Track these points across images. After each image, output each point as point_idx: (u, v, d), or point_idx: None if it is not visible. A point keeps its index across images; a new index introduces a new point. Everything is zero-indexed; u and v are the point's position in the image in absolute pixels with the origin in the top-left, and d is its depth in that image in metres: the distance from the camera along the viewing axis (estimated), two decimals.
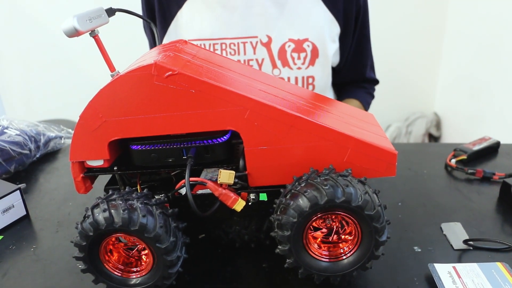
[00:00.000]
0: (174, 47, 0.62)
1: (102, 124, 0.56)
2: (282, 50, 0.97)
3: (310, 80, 1.01)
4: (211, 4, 0.97)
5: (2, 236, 0.75)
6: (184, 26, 1.01)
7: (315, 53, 0.98)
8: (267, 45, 0.96)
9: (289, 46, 0.96)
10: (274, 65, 1.00)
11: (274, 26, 0.96)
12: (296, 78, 1.01)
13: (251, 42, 0.97)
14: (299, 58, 0.97)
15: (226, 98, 0.54)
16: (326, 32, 0.99)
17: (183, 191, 0.59)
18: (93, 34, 0.57)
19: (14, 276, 0.65)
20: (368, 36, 1.11)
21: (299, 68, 0.98)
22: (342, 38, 1.04)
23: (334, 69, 1.10)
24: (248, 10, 0.95)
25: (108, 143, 0.57)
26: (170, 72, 0.53)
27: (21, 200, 0.79)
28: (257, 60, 1.00)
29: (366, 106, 1.17)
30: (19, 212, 0.79)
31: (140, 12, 1.07)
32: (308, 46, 0.96)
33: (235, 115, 0.55)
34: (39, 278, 0.64)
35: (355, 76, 1.15)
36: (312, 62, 0.98)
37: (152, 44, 1.13)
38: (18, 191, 0.79)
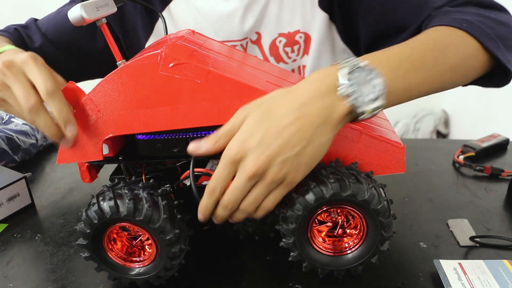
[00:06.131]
0: (181, 37, 0.61)
1: (100, 118, 0.55)
2: (273, 46, 0.88)
3: (301, 69, 0.91)
4: (192, 11, 0.87)
5: (7, 224, 0.75)
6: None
7: (308, 41, 0.87)
8: (257, 42, 0.88)
9: (280, 41, 0.87)
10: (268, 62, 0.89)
11: (261, 22, 0.86)
12: (293, 71, 0.92)
13: (241, 45, 0.88)
14: (293, 51, 0.87)
15: (233, 89, 0.53)
16: (308, 12, 0.84)
17: (188, 182, 0.59)
18: (100, 22, 0.57)
19: (18, 264, 0.65)
20: None
21: (294, 60, 0.89)
22: (323, 3, 0.84)
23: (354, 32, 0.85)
24: (231, 18, 0.85)
25: (105, 139, 0.57)
26: (176, 61, 0.52)
27: (27, 188, 0.79)
28: None
29: (464, 26, 0.62)
30: (24, 200, 0.79)
31: None
32: (301, 37, 0.86)
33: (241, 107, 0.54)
34: (42, 267, 0.64)
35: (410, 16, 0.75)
36: (306, 51, 0.88)
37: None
38: (23, 180, 0.79)
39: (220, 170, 0.50)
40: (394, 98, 0.54)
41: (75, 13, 0.53)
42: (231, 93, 0.53)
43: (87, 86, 0.58)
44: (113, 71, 0.54)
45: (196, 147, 0.51)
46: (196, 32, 0.68)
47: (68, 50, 0.85)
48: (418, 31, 0.71)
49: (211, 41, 0.66)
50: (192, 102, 0.54)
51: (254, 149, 0.47)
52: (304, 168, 0.49)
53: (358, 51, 0.88)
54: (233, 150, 0.48)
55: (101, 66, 0.68)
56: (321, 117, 0.48)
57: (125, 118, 0.55)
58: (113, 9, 0.59)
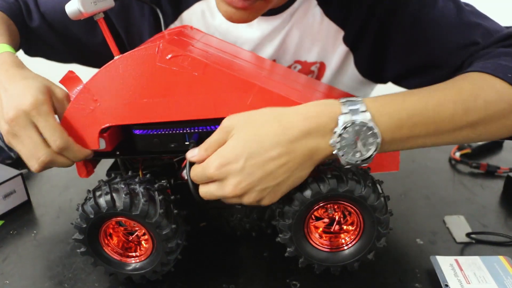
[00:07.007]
0: (180, 32, 0.61)
1: (97, 108, 0.55)
2: None
3: None
4: (206, 26, 0.81)
5: (3, 221, 0.74)
6: None
7: (322, 69, 0.84)
8: None
9: (295, 67, 0.83)
10: None
11: (278, 51, 0.81)
12: None
13: None
14: None
15: (229, 83, 0.53)
16: (330, 44, 0.79)
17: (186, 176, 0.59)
18: (98, 17, 0.57)
19: (14, 260, 0.65)
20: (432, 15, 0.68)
21: None
22: (349, 39, 0.78)
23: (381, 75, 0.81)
24: (249, 45, 0.79)
25: (101, 130, 0.56)
26: (173, 53, 0.52)
27: (23, 185, 0.79)
28: None
29: (500, 73, 0.55)
30: (21, 197, 0.79)
31: None
32: (317, 67, 0.82)
33: (238, 101, 0.54)
34: (39, 263, 0.64)
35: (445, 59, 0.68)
36: (318, 79, 0.84)
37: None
38: (19, 177, 0.78)
39: (199, 174, 0.51)
40: (392, 147, 0.52)
41: (73, 7, 0.53)
42: (227, 87, 0.53)
43: (86, 75, 0.57)
44: (111, 61, 0.54)
45: (192, 154, 0.52)
46: (194, 28, 0.67)
47: (65, 36, 0.83)
48: (457, 70, 0.64)
49: (209, 37, 0.66)
50: (189, 95, 0.54)
51: (236, 175, 0.48)
52: (280, 195, 0.51)
53: (379, 81, 0.84)
54: (211, 169, 0.49)
55: (98, 56, 0.67)
56: (306, 155, 0.49)
57: (121, 108, 0.55)
58: (110, 3, 0.58)
